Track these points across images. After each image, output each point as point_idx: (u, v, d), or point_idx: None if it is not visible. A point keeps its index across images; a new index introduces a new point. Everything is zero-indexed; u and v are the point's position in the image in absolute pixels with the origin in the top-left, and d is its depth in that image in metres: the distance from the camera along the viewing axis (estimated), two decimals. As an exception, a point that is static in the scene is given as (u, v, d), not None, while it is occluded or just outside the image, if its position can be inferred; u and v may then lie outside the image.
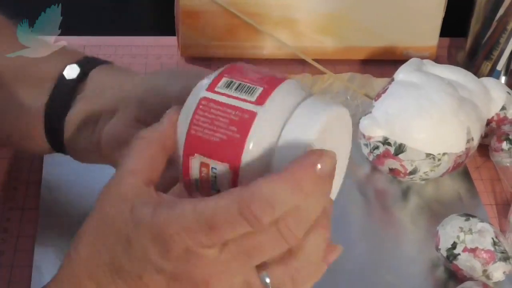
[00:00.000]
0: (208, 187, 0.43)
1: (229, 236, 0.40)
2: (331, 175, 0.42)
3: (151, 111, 0.52)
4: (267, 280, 0.43)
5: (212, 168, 0.42)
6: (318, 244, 0.44)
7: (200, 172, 0.43)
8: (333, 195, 0.46)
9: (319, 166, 0.40)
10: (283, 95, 0.43)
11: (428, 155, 0.71)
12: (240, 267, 0.42)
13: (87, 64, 0.61)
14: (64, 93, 0.59)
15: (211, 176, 0.42)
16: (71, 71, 0.59)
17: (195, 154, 0.43)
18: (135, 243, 0.42)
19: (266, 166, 0.42)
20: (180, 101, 0.44)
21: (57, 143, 0.60)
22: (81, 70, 0.60)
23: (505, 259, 0.64)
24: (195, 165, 0.43)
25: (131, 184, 0.43)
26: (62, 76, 0.60)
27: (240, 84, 0.43)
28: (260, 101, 0.42)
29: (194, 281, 0.42)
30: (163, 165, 0.45)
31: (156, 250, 0.41)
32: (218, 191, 0.42)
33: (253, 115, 0.42)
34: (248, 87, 0.43)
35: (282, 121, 0.42)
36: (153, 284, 0.42)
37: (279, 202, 0.40)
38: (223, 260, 0.41)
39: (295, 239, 0.41)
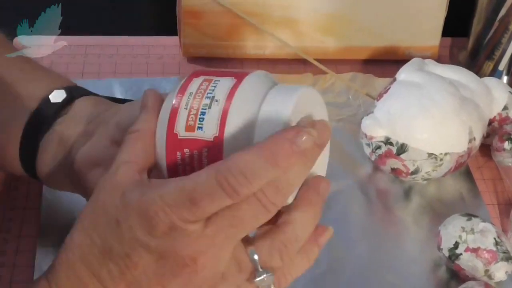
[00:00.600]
0: (200, 99, 0.45)
1: (211, 209, 0.42)
2: (309, 151, 0.43)
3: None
4: (256, 257, 0.44)
5: (215, 80, 0.45)
6: (305, 220, 0.45)
7: (200, 84, 0.45)
8: (322, 171, 0.48)
9: (299, 139, 0.42)
10: (253, 82, 0.46)
11: (430, 155, 0.71)
12: (226, 241, 0.43)
13: (75, 92, 0.60)
14: (45, 116, 0.59)
15: (211, 86, 0.45)
16: (57, 96, 0.59)
17: (201, 76, 0.46)
18: (123, 224, 0.43)
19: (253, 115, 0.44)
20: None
21: (30, 165, 0.60)
22: (67, 96, 0.60)
23: (507, 259, 0.64)
24: (196, 82, 0.46)
25: (124, 173, 0.44)
26: (47, 99, 0.59)
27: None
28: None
29: (181, 258, 0.42)
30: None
31: (143, 228, 0.42)
32: (210, 102, 0.44)
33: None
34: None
35: (262, 94, 0.45)
36: (142, 264, 0.43)
37: (254, 173, 0.41)
38: (208, 235, 0.42)
39: (274, 206, 0.43)
